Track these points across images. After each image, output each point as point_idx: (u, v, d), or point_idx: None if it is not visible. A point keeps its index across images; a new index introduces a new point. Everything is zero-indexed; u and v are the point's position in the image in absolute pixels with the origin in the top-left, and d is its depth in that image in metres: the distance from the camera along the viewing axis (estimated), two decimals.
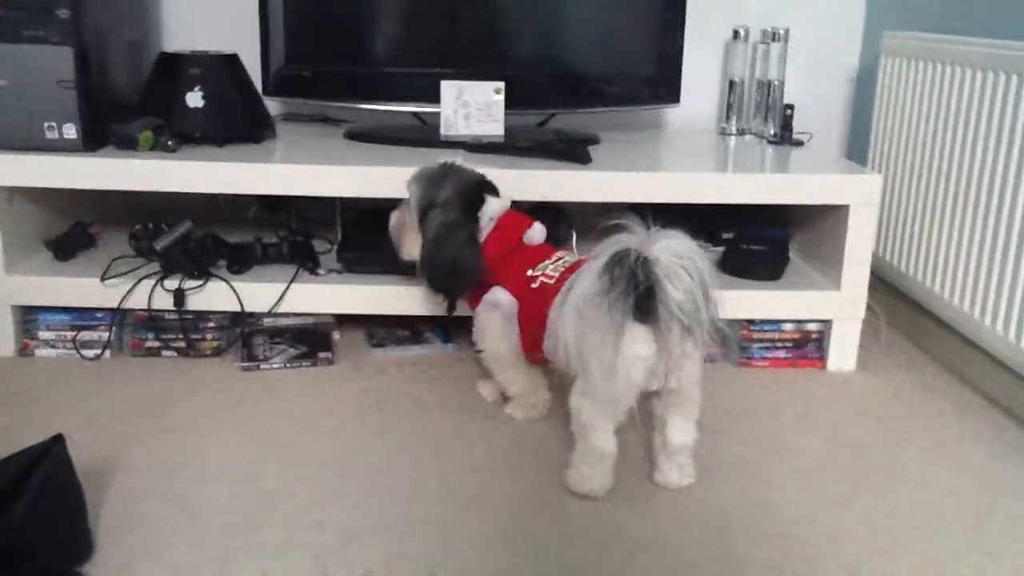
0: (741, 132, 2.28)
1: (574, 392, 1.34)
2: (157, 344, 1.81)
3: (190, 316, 1.79)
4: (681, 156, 2.08)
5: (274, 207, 2.14)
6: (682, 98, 2.13)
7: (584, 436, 1.34)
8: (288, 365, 1.77)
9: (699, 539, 1.26)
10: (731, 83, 2.27)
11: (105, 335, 1.80)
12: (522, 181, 1.75)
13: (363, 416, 1.60)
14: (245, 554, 1.20)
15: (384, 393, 1.69)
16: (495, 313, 1.56)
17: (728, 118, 2.29)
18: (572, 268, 1.44)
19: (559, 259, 1.53)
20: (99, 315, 1.80)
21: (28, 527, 1.11)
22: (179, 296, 1.75)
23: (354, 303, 1.80)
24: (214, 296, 1.77)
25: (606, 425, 1.32)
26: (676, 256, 1.21)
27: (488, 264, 1.56)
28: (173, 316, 1.79)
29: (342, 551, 1.21)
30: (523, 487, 1.39)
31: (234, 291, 1.76)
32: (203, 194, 1.79)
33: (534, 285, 1.50)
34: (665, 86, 2.12)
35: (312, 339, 1.82)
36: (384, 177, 1.73)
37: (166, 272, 1.78)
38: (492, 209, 1.59)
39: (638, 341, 1.24)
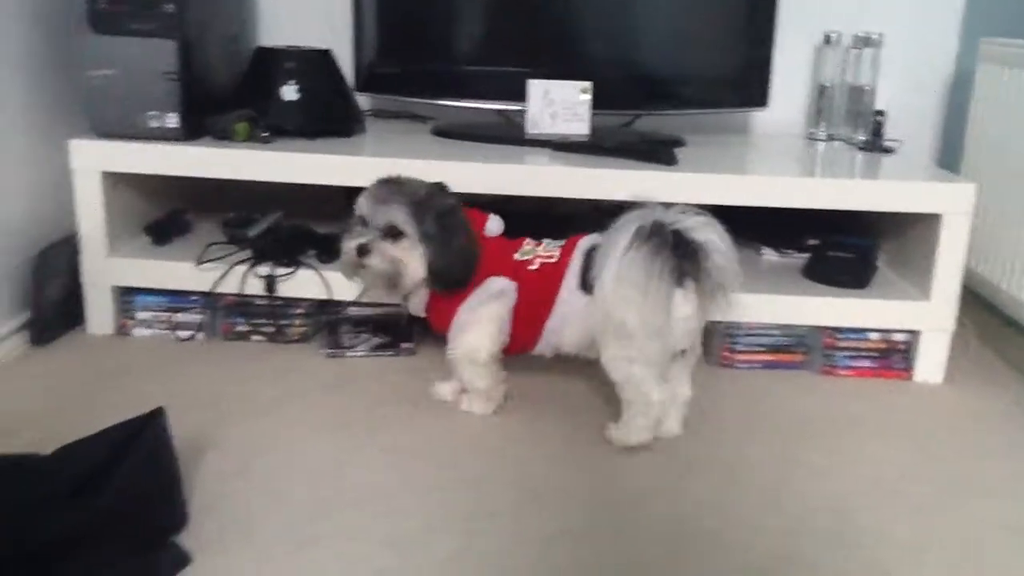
0: (830, 138, 2.24)
1: (618, 363, 1.45)
2: (247, 328, 1.86)
3: (279, 302, 1.84)
4: (767, 160, 2.06)
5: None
6: (770, 102, 2.11)
7: (640, 395, 1.45)
8: (371, 354, 1.81)
9: (772, 544, 1.26)
10: (821, 88, 2.24)
11: (198, 318, 1.87)
12: (606, 181, 1.76)
13: (440, 407, 1.63)
14: (326, 537, 1.23)
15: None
16: (494, 305, 1.53)
17: (817, 123, 2.26)
18: (569, 247, 1.53)
19: (539, 243, 1.57)
20: (193, 298, 1.86)
21: (127, 495, 1.16)
22: (270, 282, 1.80)
23: None
24: (303, 284, 1.82)
25: (655, 378, 1.45)
26: (708, 225, 1.38)
27: None
28: (263, 302, 1.84)
29: (420, 538, 1.24)
30: (594, 479, 1.40)
31: (322, 279, 1.81)
32: (294, 185, 1.84)
33: (532, 267, 1.53)
34: (753, 89, 2.10)
35: (395, 329, 1.86)
36: (470, 173, 1.76)
37: (257, 259, 1.83)
38: None
39: (684, 304, 1.40)
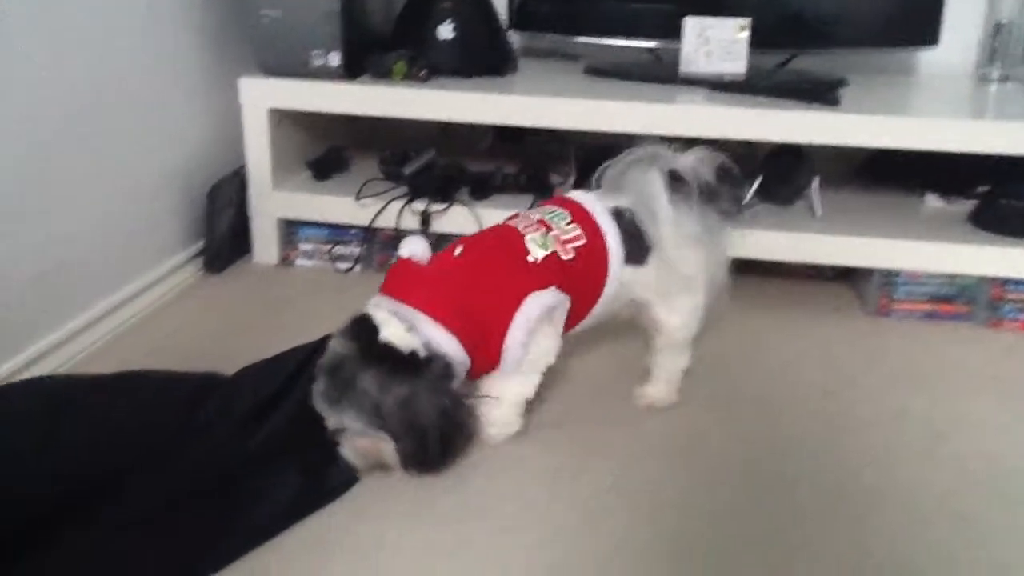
0: (1005, 79, 2.11)
1: (684, 315, 1.41)
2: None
3: (433, 237, 1.90)
4: (936, 101, 1.96)
5: (512, 139, 2.21)
6: (940, 40, 2.00)
7: (688, 344, 1.45)
8: None
9: (934, 500, 1.23)
10: (997, 25, 2.10)
11: (357, 250, 1.95)
12: (763, 122, 1.71)
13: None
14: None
15: None
16: (549, 328, 1.29)
17: (991, 63, 2.12)
18: (583, 218, 1.34)
19: (544, 227, 1.32)
20: (352, 232, 1.94)
21: (300, 416, 1.23)
22: (425, 218, 1.86)
23: None
24: (456, 219, 1.86)
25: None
26: (707, 160, 1.35)
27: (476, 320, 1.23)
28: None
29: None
30: None
31: (475, 216, 1.85)
32: (447, 123, 1.88)
33: (567, 256, 1.29)
34: (922, 26, 1.99)
35: None
36: (623, 112, 1.75)
37: (413, 195, 1.89)
38: (382, 316, 1.19)
39: (730, 241, 1.43)
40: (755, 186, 1.88)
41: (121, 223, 1.68)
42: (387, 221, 1.89)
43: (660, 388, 1.45)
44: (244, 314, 1.75)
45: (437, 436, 1.16)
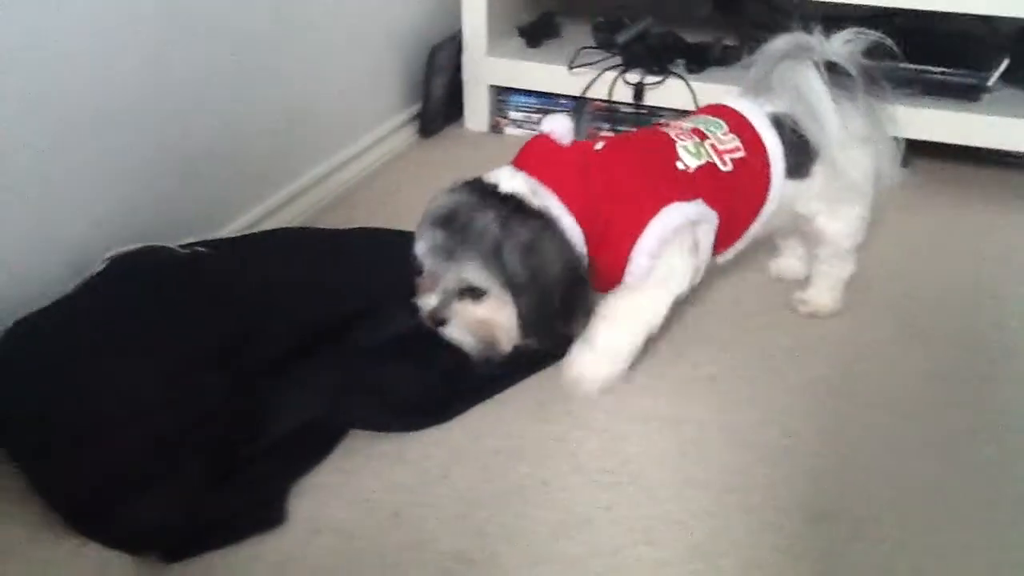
0: None
1: (852, 222, 1.30)
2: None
3: (644, 111, 1.86)
4: None
5: (731, 7, 2.10)
6: None
7: (854, 250, 1.35)
8: None
9: None
10: None
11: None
12: None
13: None
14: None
15: None
16: (687, 246, 1.15)
17: None
18: (743, 128, 1.20)
19: (699, 135, 1.18)
20: (562, 101, 1.93)
21: None
22: (639, 90, 1.82)
23: None
24: (670, 93, 1.81)
25: None
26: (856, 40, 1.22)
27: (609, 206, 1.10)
28: (628, 109, 1.87)
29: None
30: None
31: (690, 90, 1.79)
32: None
33: (725, 168, 1.17)
34: None
35: None
36: None
37: (627, 65, 1.84)
38: (506, 174, 1.10)
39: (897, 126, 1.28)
40: (1002, 68, 1.72)
41: (348, 82, 1.75)
42: (599, 92, 1.86)
43: (823, 294, 1.36)
44: (454, 179, 1.79)
45: (560, 294, 1.05)
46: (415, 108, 1.98)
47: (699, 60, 1.84)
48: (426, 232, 1.06)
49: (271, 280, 1.17)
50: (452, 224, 1.04)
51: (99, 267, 1.16)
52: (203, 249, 1.22)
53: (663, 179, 1.12)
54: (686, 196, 1.12)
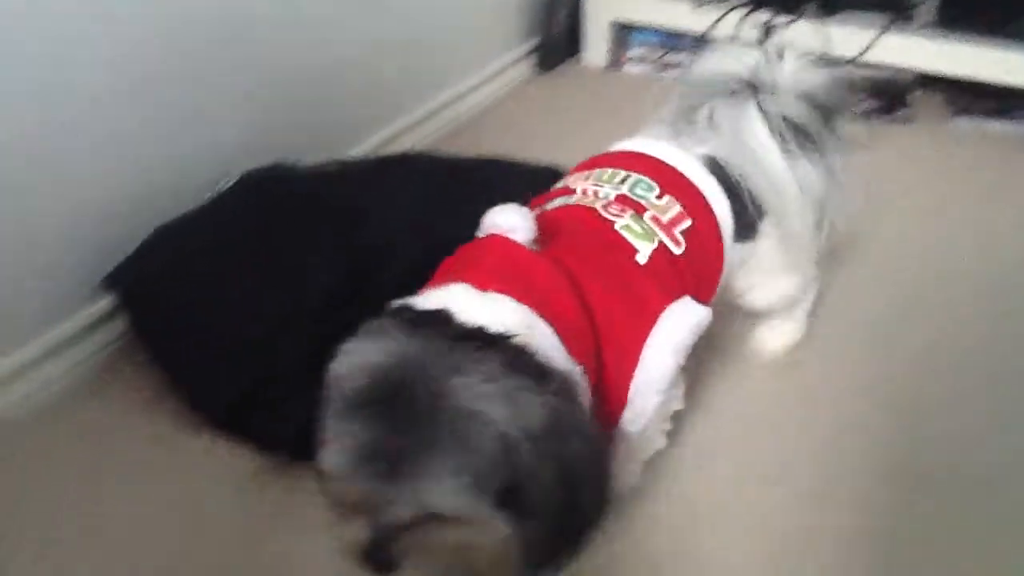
0: None
1: (804, 280, 1.11)
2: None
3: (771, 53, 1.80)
4: None
5: None
6: None
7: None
8: (864, 117, 1.73)
9: None
10: None
11: (688, 60, 1.90)
12: None
13: (942, 180, 1.53)
14: None
15: (959, 168, 1.59)
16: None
17: None
18: (669, 184, 0.92)
19: (617, 212, 0.88)
20: (686, 39, 1.89)
21: None
22: (766, 30, 1.76)
23: (946, 62, 1.67)
24: (800, 35, 1.75)
25: None
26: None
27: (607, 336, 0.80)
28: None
29: None
30: None
31: (822, 32, 1.72)
32: None
33: (677, 249, 0.89)
34: None
35: (890, 94, 1.74)
36: None
37: (756, 5, 1.79)
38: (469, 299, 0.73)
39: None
40: None
41: (471, 12, 1.75)
42: (725, 31, 1.81)
43: (781, 334, 1.17)
44: (572, 115, 1.78)
45: (590, 491, 0.70)
46: (535, 41, 1.96)
47: (831, 2, 1.77)
48: (346, 421, 0.64)
49: (397, 203, 1.20)
50: (397, 406, 0.62)
51: (230, 182, 1.20)
52: (332, 169, 1.26)
53: (638, 281, 0.84)
54: (667, 295, 0.84)
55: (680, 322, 0.81)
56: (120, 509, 0.96)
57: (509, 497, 0.64)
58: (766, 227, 0.98)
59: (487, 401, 0.63)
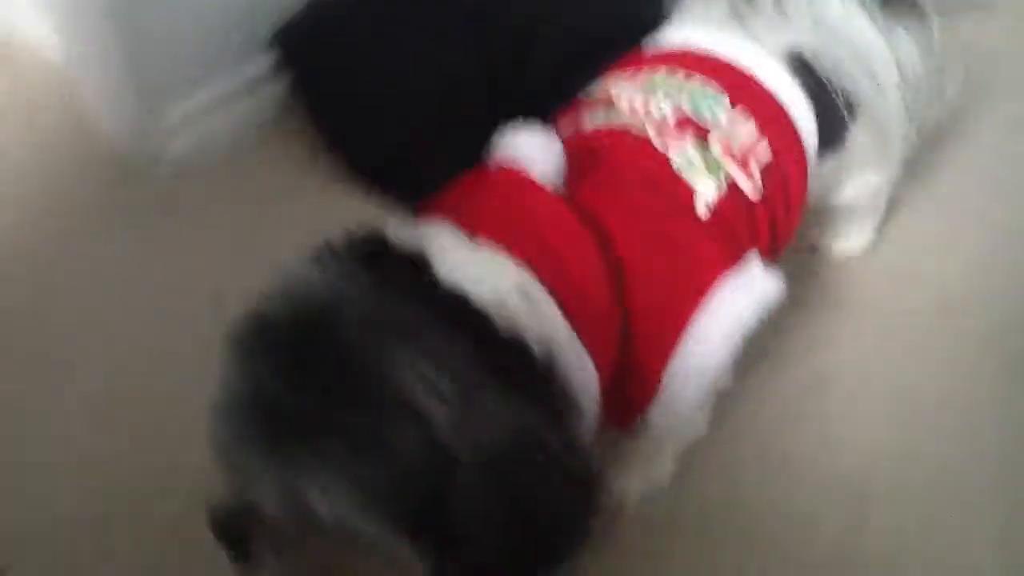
0: None
1: (880, 185, 0.95)
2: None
3: None
4: None
5: None
6: None
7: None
8: None
9: None
10: None
11: None
12: None
13: None
14: None
15: None
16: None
17: None
18: (742, 94, 0.72)
19: (675, 136, 0.68)
20: None
21: None
22: None
23: None
24: None
25: None
26: None
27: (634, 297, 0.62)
28: None
29: None
30: None
31: None
32: None
33: (752, 188, 0.69)
34: None
35: None
36: None
37: None
38: (448, 244, 0.56)
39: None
40: None
41: None
42: None
43: (853, 238, 1.04)
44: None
45: (558, 534, 0.53)
46: None
47: None
48: (244, 351, 0.50)
49: None
50: (309, 362, 0.48)
51: None
52: None
53: (693, 238, 0.65)
54: (729, 257, 0.66)
55: (742, 297, 0.63)
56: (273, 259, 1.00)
57: (429, 524, 0.47)
58: (856, 131, 0.80)
59: (430, 395, 0.46)
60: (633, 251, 0.61)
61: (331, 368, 0.46)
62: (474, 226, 0.56)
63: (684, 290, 0.63)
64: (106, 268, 1.03)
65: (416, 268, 0.51)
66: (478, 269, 0.52)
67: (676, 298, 0.63)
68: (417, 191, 0.94)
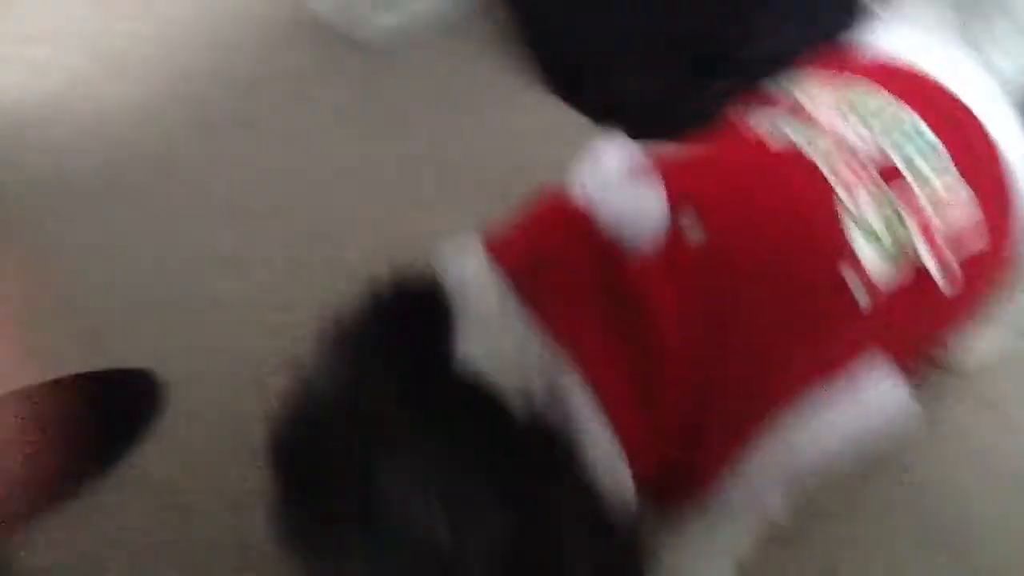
0: None
1: None
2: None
3: None
4: None
5: None
6: None
7: None
8: None
9: None
10: None
11: None
12: None
13: None
14: None
15: None
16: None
17: None
18: (962, 146, 0.57)
19: (855, 177, 0.54)
20: None
21: None
22: None
23: None
24: None
25: None
26: None
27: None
28: None
29: None
30: None
31: None
32: None
33: (945, 279, 0.55)
34: None
35: None
36: None
37: None
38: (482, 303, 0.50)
39: None
40: None
41: None
42: None
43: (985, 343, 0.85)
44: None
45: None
46: None
47: None
48: (272, 453, 0.50)
49: None
50: (308, 470, 0.48)
51: None
52: None
53: (813, 335, 0.53)
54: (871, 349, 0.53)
55: (877, 397, 0.52)
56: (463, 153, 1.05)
57: None
58: None
59: (424, 509, 0.44)
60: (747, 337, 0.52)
61: (327, 489, 0.46)
62: (529, 289, 0.50)
63: (772, 390, 0.52)
64: (304, 134, 1.12)
65: (435, 348, 0.47)
66: (505, 344, 0.47)
67: (762, 401, 0.52)
68: (606, 106, 1.07)
